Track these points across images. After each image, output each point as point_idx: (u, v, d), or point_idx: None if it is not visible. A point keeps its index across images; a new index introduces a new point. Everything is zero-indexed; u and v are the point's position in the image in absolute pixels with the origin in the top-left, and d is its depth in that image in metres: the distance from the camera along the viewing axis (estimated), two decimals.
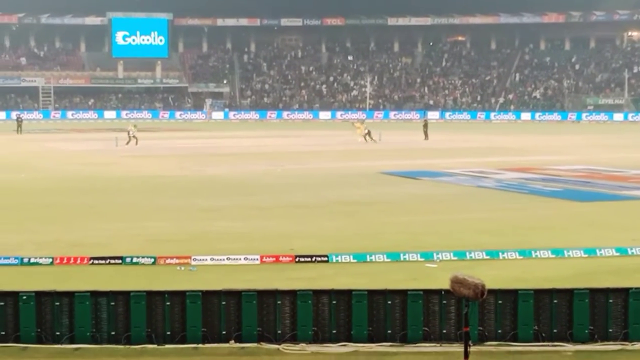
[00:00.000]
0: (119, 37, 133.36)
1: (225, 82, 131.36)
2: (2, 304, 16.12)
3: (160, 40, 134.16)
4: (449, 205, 33.91)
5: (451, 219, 30.20)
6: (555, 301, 16.27)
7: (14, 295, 16.22)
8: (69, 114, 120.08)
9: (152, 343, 16.05)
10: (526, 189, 38.58)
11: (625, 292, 16.44)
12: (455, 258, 22.50)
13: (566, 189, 38.82)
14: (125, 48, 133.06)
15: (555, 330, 16.20)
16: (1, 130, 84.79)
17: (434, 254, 22.60)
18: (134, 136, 64.98)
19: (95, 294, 16.25)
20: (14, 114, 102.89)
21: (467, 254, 22.74)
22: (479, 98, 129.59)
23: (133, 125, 69.49)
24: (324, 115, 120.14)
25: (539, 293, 16.38)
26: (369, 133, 69.05)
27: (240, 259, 22.24)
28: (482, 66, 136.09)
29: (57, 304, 16.13)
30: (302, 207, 33.07)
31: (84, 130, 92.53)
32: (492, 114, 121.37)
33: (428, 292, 16.37)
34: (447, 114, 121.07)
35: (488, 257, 22.66)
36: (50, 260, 22.07)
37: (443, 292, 16.03)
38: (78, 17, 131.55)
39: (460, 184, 40.65)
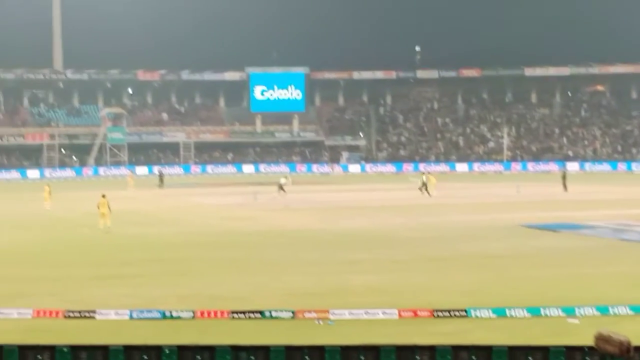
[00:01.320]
0: (257, 91, 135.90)
1: (361, 134, 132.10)
2: (145, 357, 16.42)
3: (298, 95, 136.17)
4: (591, 258, 33.26)
5: (593, 272, 29.62)
6: None
7: (157, 349, 16.51)
8: (209, 168, 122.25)
9: None
10: None
11: None
12: (598, 313, 22.04)
13: None
14: (263, 103, 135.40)
15: None
16: (144, 185, 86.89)
17: (576, 309, 22.16)
18: (282, 187, 66.68)
19: (235, 349, 16.41)
20: (156, 169, 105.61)
21: (611, 308, 22.24)
22: (619, 148, 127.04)
23: (284, 176, 70.92)
24: (461, 167, 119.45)
25: None
26: (424, 185, 68.66)
27: (378, 313, 22.22)
28: (623, 116, 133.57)
29: (199, 357, 16.35)
30: (439, 260, 32.90)
31: (223, 184, 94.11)
32: (634, 165, 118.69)
33: (570, 349, 16.00)
34: (586, 165, 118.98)
35: (633, 313, 22.12)
36: (192, 313, 22.45)
37: (586, 349, 15.67)
38: (217, 73, 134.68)
39: (602, 237, 39.84)
